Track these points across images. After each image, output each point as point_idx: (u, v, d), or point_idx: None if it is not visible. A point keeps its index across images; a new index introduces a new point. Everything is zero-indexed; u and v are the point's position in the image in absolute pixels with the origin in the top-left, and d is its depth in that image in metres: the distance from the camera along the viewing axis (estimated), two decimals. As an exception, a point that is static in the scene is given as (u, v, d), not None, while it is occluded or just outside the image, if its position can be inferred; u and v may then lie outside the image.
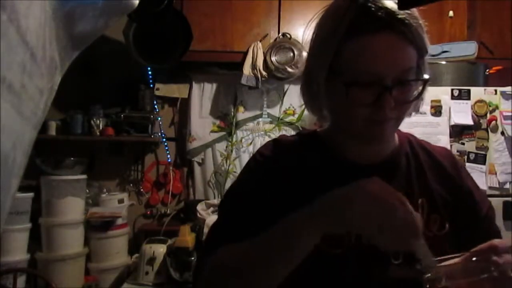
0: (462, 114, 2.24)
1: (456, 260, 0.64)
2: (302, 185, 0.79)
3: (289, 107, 2.91)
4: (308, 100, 0.86)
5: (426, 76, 0.78)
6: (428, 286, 0.62)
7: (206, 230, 2.33)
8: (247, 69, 2.57)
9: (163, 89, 2.85)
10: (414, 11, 0.75)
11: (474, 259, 0.63)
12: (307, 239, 0.65)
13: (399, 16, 0.72)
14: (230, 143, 2.84)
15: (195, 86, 2.85)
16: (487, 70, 2.52)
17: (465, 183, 0.87)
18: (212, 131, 2.86)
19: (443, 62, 2.43)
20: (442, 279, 0.61)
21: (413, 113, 0.84)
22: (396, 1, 0.72)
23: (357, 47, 0.72)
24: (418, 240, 0.60)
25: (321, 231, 0.64)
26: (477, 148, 2.25)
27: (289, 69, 2.54)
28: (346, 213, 0.61)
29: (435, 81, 2.40)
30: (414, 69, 0.75)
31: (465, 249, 0.67)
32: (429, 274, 0.62)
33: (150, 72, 2.81)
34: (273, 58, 2.54)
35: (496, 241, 0.64)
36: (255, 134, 2.84)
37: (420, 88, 0.77)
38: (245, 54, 2.59)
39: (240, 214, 0.79)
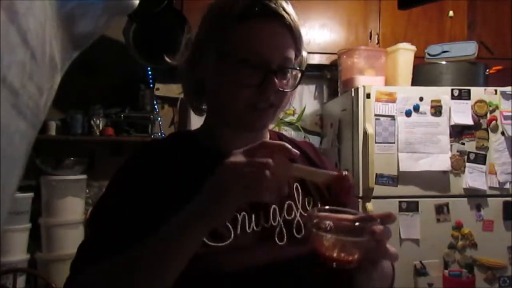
0: (462, 114, 2.24)
1: (342, 216, 0.71)
2: (176, 184, 0.78)
3: (289, 107, 2.91)
4: (189, 88, 0.87)
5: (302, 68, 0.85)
6: (314, 230, 0.67)
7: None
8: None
9: (163, 89, 2.85)
10: (295, 11, 0.81)
11: (357, 223, 0.69)
12: (195, 237, 0.66)
13: (285, 8, 0.78)
14: (230, 143, 2.84)
15: (195, 86, 2.85)
16: (487, 70, 2.52)
17: (327, 168, 0.94)
18: (212, 131, 2.86)
19: (443, 62, 2.44)
20: (326, 227, 0.67)
21: (284, 110, 0.91)
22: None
23: (247, 30, 0.77)
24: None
25: (209, 224, 0.65)
26: (477, 148, 2.25)
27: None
28: (221, 195, 0.63)
29: (435, 81, 2.40)
30: (293, 60, 0.81)
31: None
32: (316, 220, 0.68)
33: (150, 72, 2.81)
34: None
35: (375, 214, 0.69)
36: (255, 134, 2.84)
37: (298, 79, 0.84)
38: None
39: (113, 228, 0.76)
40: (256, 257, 0.76)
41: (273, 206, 0.82)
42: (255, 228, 0.79)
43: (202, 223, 0.65)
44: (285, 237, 0.80)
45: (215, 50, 0.79)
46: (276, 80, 0.77)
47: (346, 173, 0.69)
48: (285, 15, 0.77)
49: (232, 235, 0.77)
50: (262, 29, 0.77)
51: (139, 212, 0.76)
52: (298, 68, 0.84)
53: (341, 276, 0.78)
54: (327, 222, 0.67)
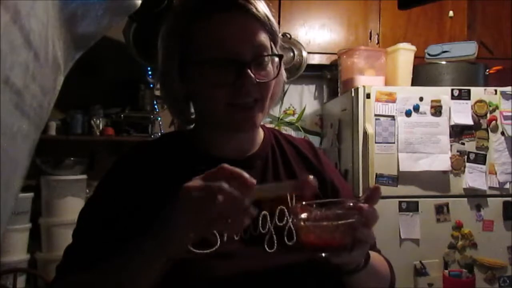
0: (462, 114, 2.24)
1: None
2: (166, 189, 0.73)
3: (289, 107, 2.91)
4: (171, 101, 0.83)
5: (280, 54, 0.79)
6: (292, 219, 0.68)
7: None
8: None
9: (163, 89, 2.85)
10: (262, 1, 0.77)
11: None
12: (156, 262, 0.64)
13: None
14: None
15: (195, 86, 2.85)
16: (487, 70, 2.52)
17: (326, 169, 0.90)
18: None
19: (443, 62, 2.44)
20: (302, 216, 0.66)
21: (275, 102, 0.85)
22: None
23: (210, 26, 0.72)
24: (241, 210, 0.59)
25: (168, 251, 0.63)
26: (477, 148, 2.25)
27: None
28: (182, 219, 0.60)
29: (435, 81, 2.40)
30: (268, 49, 0.76)
31: None
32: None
33: (150, 72, 2.81)
34: (273, 58, 2.55)
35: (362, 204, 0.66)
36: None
37: (277, 66, 0.78)
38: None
39: (97, 234, 0.75)
40: (243, 265, 0.74)
41: (264, 212, 0.78)
42: (243, 236, 0.76)
43: (161, 251, 0.63)
44: (275, 244, 0.77)
45: (177, 56, 0.75)
46: (251, 73, 0.71)
47: (311, 177, 0.65)
48: (247, 5, 0.73)
49: (219, 242, 0.74)
50: (223, 23, 0.72)
51: (122, 219, 0.74)
52: (275, 54, 0.77)
53: (332, 284, 0.78)
54: (307, 213, 0.66)
